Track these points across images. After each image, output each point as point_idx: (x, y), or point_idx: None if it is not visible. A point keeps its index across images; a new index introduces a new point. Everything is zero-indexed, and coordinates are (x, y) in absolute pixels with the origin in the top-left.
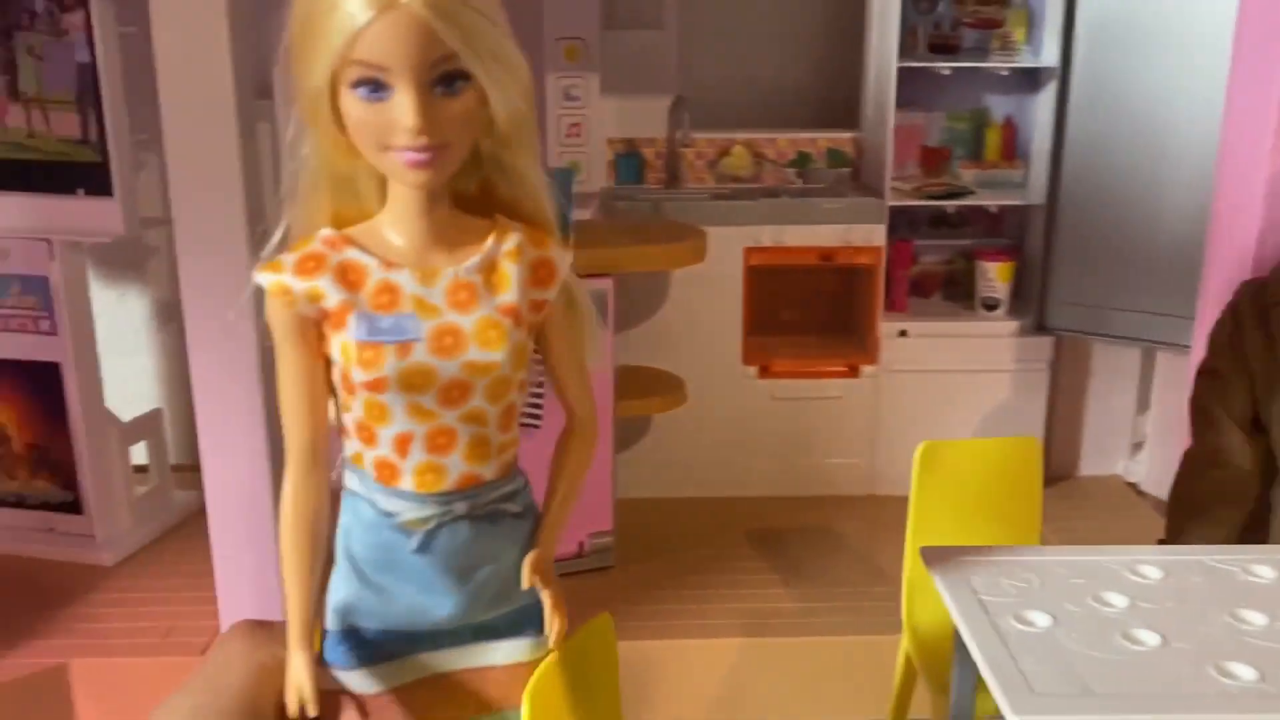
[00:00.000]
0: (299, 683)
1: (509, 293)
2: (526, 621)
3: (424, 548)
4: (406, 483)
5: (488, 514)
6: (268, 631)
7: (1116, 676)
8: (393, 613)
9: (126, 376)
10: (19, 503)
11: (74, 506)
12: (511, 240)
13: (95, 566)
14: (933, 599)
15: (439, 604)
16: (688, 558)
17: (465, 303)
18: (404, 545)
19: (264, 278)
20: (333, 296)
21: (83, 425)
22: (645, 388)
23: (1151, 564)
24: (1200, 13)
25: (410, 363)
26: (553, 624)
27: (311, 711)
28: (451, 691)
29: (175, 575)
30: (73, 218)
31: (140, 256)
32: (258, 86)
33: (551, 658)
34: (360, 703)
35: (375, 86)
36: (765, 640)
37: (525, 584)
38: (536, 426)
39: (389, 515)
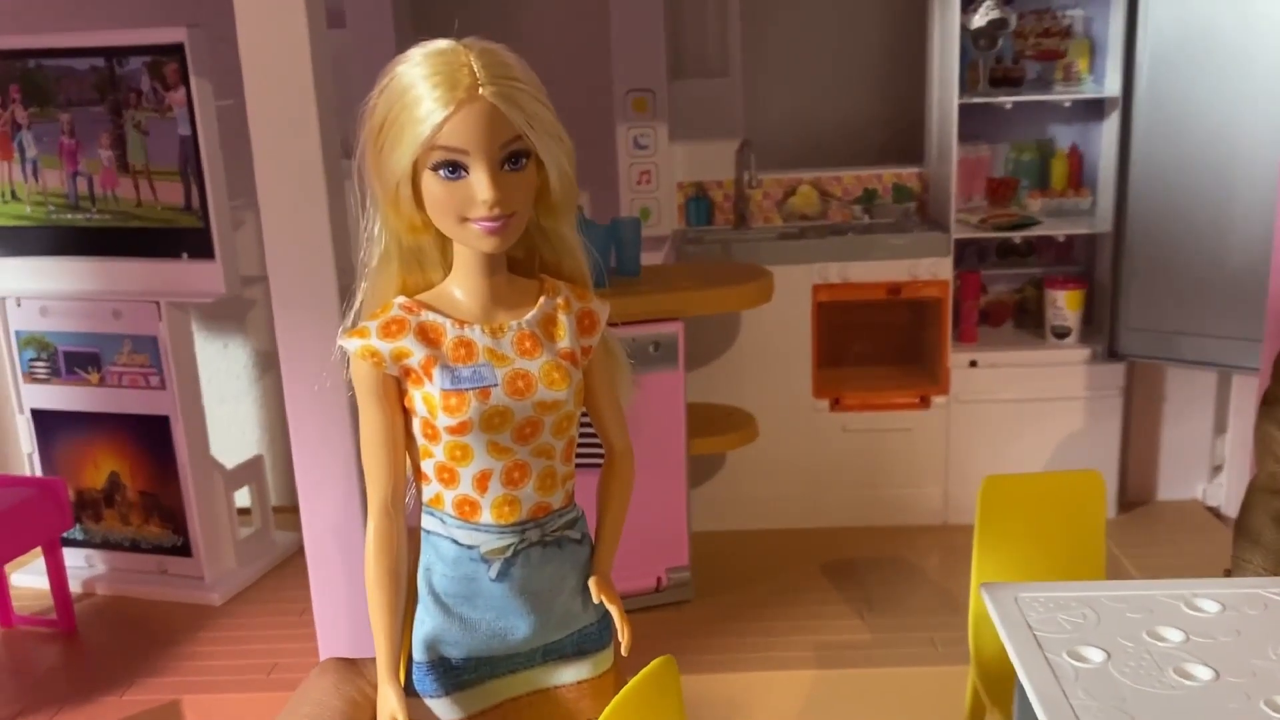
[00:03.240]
0: (392, 709)
1: (565, 340)
2: (588, 641)
3: (502, 575)
4: (486, 517)
5: (555, 540)
6: (355, 669)
7: (1166, 712)
8: (475, 640)
9: (230, 423)
10: (133, 547)
11: (184, 550)
12: (560, 295)
13: (204, 606)
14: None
15: (515, 627)
16: (763, 590)
17: (530, 350)
18: (484, 575)
19: (350, 343)
20: (418, 353)
21: (190, 474)
22: (718, 425)
23: (1209, 597)
24: (1262, 39)
25: (490, 405)
26: (624, 633)
27: None
28: (525, 713)
29: (278, 614)
30: (178, 280)
31: (240, 310)
32: (344, 147)
33: (617, 700)
34: None
35: (454, 168)
36: (840, 672)
37: (595, 599)
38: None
39: (470, 548)
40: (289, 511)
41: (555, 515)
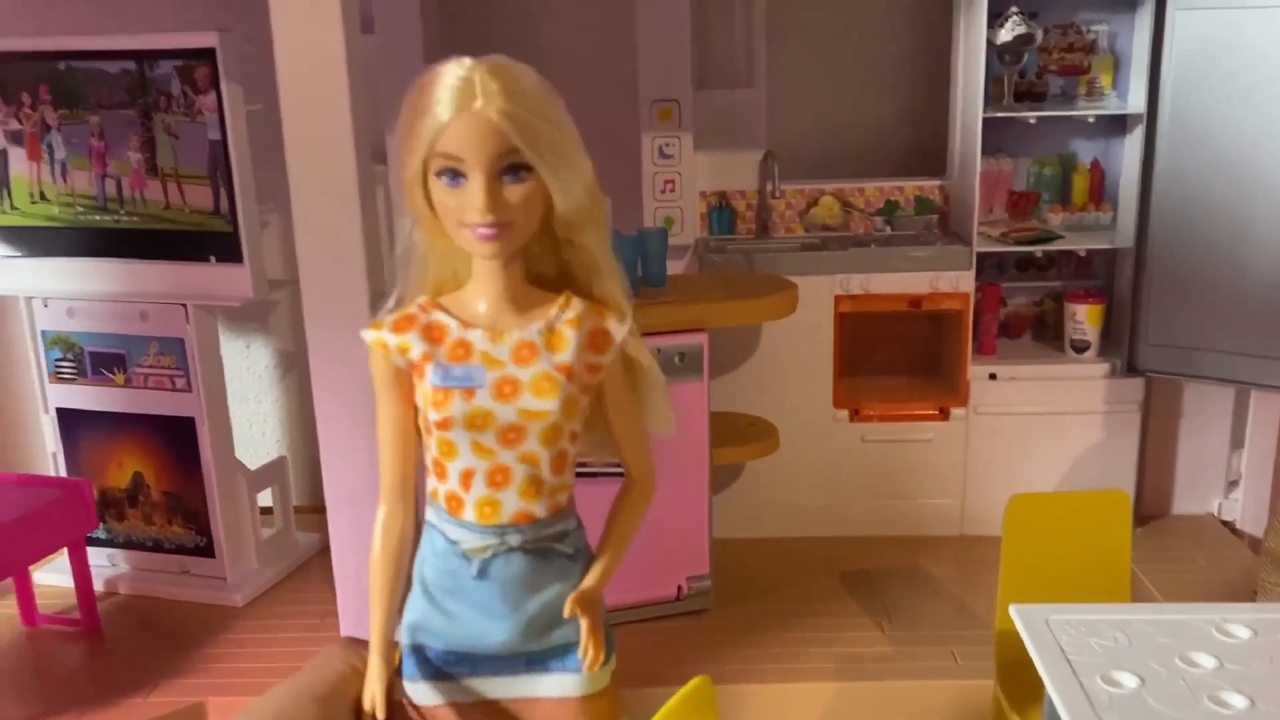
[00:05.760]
0: (370, 683)
1: (565, 353)
2: (575, 657)
3: (482, 574)
4: (469, 514)
5: (539, 550)
6: (359, 645)
7: None
8: (456, 634)
9: (251, 422)
10: (156, 547)
11: (207, 550)
12: (573, 311)
13: (227, 607)
14: (1024, 649)
15: (495, 628)
16: (783, 599)
17: (527, 359)
18: (466, 571)
19: (367, 334)
20: (416, 349)
21: (214, 475)
22: (740, 435)
23: (1239, 623)
24: None
25: (474, 406)
26: (586, 650)
27: (380, 713)
28: (504, 717)
29: (300, 614)
30: (206, 283)
31: (263, 311)
32: (375, 152)
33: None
34: (422, 713)
35: (454, 174)
36: (859, 684)
37: (566, 613)
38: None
39: (455, 543)
40: (310, 512)
41: (540, 524)
